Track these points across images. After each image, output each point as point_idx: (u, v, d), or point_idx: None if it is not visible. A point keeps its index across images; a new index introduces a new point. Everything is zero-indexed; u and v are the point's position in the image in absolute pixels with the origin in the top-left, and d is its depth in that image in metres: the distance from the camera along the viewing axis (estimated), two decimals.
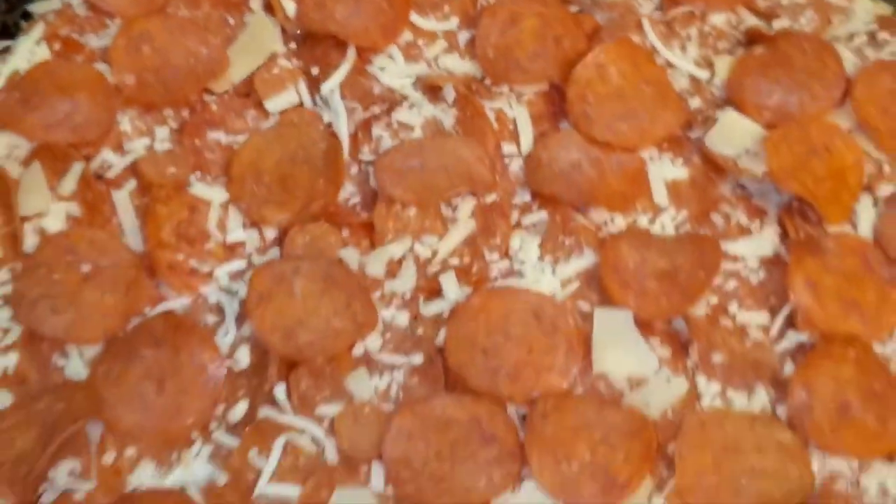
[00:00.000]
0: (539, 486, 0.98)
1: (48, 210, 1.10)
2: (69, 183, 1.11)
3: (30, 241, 1.09)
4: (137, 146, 1.15)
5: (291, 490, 0.98)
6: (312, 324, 1.03)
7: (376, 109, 1.18)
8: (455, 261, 1.10)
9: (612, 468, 0.98)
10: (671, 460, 1.00)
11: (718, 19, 1.25)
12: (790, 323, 1.07)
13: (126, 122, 1.16)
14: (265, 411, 1.01)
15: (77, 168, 1.12)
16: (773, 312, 1.08)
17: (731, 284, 1.09)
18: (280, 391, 1.02)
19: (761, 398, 1.04)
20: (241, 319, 1.06)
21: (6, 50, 1.21)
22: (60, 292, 1.05)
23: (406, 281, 1.08)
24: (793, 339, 1.06)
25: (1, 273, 1.08)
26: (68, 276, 1.06)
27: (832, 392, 1.02)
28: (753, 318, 1.07)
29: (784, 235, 1.12)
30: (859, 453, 1.01)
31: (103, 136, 1.15)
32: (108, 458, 1.00)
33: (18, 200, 1.09)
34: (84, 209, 1.11)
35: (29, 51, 1.20)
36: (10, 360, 1.03)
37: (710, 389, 1.04)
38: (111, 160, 1.14)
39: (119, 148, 1.15)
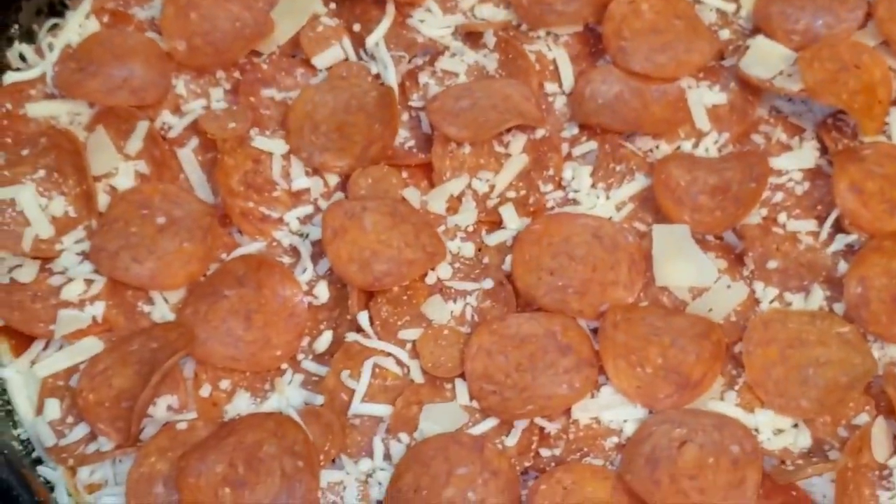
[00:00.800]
0: (616, 389, 1.08)
1: (118, 169, 1.19)
2: (135, 142, 1.20)
3: (102, 200, 1.17)
4: (194, 107, 1.24)
5: (383, 409, 1.07)
6: (386, 254, 1.12)
7: (419, 60, 1.27)
8: (512, 193, 1.19)
9: (684, 369, 1.07)
10: (738, 360, 1.09)
11: None
12: (838, 228, 1.16)
13: (181, 85, 1.25)
14: (352, 336, 1.09)
15: (142, 127, 1.20)
16: (821, 219, 1.17)
17: (779, 196, 1.19)
18: (363, 318, 1.10)
19: (817, 298, 1.13)
20: (315, 258, 1.15)
21: (55, 27, 1.29)
22: (139, 243, 1.13)
23: (468, 216, 1.18)
24: (842, 241, 1.15)
25: (77, 231, 1.16)
26: (145, 228, 1.15)
27: (885, 284, 1.12)
28: (803, 226, 1.17)
29: (823, 150, 1.22)
30: None
31: (161, 99, 1.23)
32: (204, 391, 1.09)
33: (88, 162, 1.17)
34: (152, 166, 1.20)
35: (79, 25, 1.28)
36: (97, 309, 1.11)
37: (767, 294, 1.13)
38: (171, 121, 1.23)
39: (177, 110, 1.24)
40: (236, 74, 1.28)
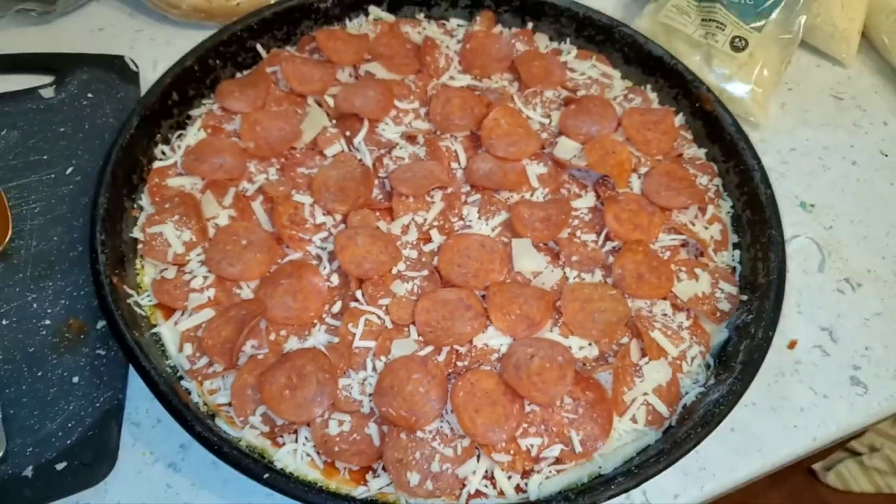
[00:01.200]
0: (496, 328, 1.05)
1: (219, 214, 1.13)
2: (228, 199, 1.14)
3: (211, 232, 1.11)
4: (260, 179, 1.18)
5: (371, 343, 1.03)
6: (370, 258, 1.08)
7: (383, 151, 1.23)
8: (436, 223, 1.15)
9: (531, 315, 1.05)
10: (559, 310, 1.07)
11: (549, 93, 1.32)
12: (607, 237, 1.15)
13: (252, 167, 1.19)
14: (353, 304, 1.06)
15: (231, 191, 1.15)
16: (598, 234, 1.16)
17: (576, 222, 1.17)
18: (359, 294, 1.07)
19: (598, 276, 1.12)
20: (331, 260, 1.10)
21: (181, 135, 1.22)
22: (232, 255, 1.08)
23: (412, 235, 1.14)
24: (609, 245, 1.14)
25: (197, 249, 1.10)
26: (235, 247, 1.09)
27: (632, 268, 1.11)
28: (589, 237, 1.15)
29: (598, 196, 1.20)
30: (650, 296, 1.10)
31: (241, 175, 1.17)
32: (272, 336, 1.03)
33: (202, 210, 1.12)
34: (238, 212, 1.14)
35: (194, 135, 1.21)
36: (211, 293, 1.06)
37: (572, 274, 1.12)
38: (247, 187, 1.17)
39: (250, 181, 1.18)
40: (282, 160, 1.21)
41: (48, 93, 1.28)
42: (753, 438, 1.06)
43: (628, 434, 1.01)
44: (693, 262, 1.16)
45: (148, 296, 1.07)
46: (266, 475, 0.88)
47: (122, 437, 1.00)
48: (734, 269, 1.17)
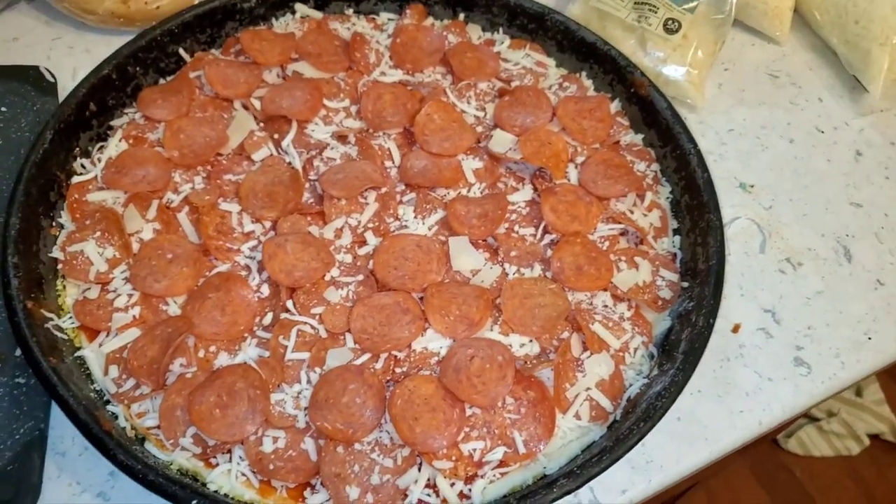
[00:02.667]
0: (435, 330, 1.00)
1: (143, 228, 1.06)
2: (152, 212, 1.08)
3: (135, 246, 1.05)
4: (186, 188, 1.12)
5: (305, 355, 0.98)
6: (300, 266, 1.03)
7: (313, 152, 1.17)
8: (370, 224, 1.10)
9: (470, 315, 1.01)
10: (498, 308, 1.03)
11: (483, 85, 1.27)
12: (545, 231, 1.11)
13: (177, 176, 1.13)
14: (284, 315, 1.00)
15: (155, 204, 1.08)
16: (536, 227, 1.12)
17: (514, 216, 1.12)
18: (290, 304, 1.01)
19: (537, 270, 1.08)
20: (260, 270, 1.04)
21: (101, 147, 1.16)
22: (157, 270, 1.02)
23: (346, 238, 1.08)
24: (548, 238, 1.10)
25: (122, 266, 1.04)
26: (160, 262, 1.03)
27: (572, 259, 1.07)
28: (527, 231, 1.11)
29: (535, 189, 1.16)
30: (590, 289, 1.07)
31: (166, 186, 1.11)
32: (201, 353, 0.98)
33: (125, 225, 1.05)
34: (162, 225, 1.08)
35: (115, 146, 1.15)
36: (136, 311, 1.00)
37: (511, 269, 1.07)
38: (172, 198, 1.11)
39: (175, 191, 1.12)
40: (209, 168, 1.15)
41: None
42: (700, 426, 1.03)
43: (573, 431, 0.97)
44: (633, 250, 1.12)
45: (70, 318, 1.01)
46: (195, 502, 0.83)
47: (45, 468, 0.94)
48: (675, 255, 1.14)
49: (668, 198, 1.19)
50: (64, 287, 1.04)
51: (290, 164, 1.16)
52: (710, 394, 1.06)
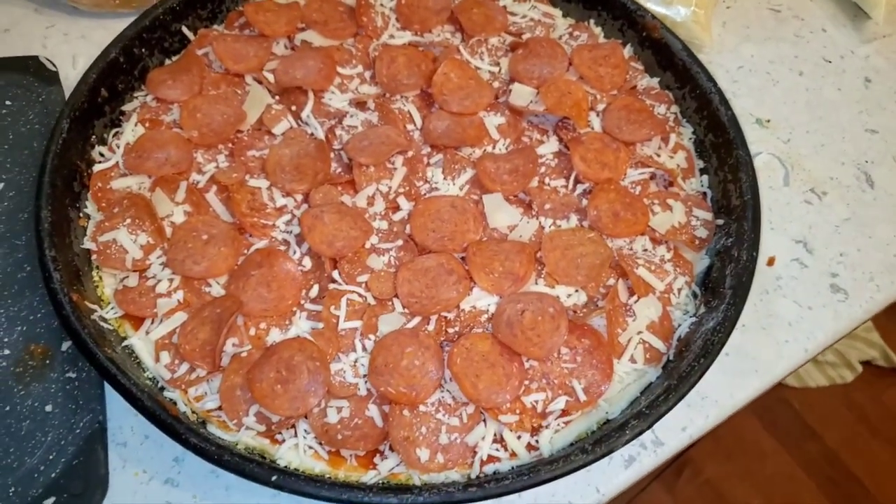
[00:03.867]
0: (481, 288, 1.00)
1: (173, 212, 1.04)
2: (181, 194, 1.05)
3: (168, 231, 1.03)
4: (210, 168, 1.10)
5: (357, 323, 0.97)
6: (340, 236, 1.02)
7: (333, 122, 1.15)
8: (401, 189, 1.09)
9: (515, 270, 1.01)
10: (540, 261, 1.03)
11: (494, 40, 1.26)
12: (576, 180, 1.11)
13: (199, 156, 1.10)
14: (332, 286, 0.99)
15: (183, 185, 1.06)
16: (566, 177, 1.12)
17: (543, 169, 1.12)
18: (336, 274, 1.00)
19: (574, 221, 1.08)
20: (300, 242, 1.03)
21: (117, 133, 1.13)
22: (195, 252, 1.00)
23: (379, 205, 1.07)
24: (580, 188, 1.10)
25: (157, 252, 1.01)
26: (196, 244, 1.01)
27: (608, 206, 1.08)
28: (558, 183, 1.11)
29: (560, 140, 1.16)
30: (629, 234, 1.07)
31: (189, 167, 1.08)
32: (252, 331, 0.96)
33: (155, 210, 1.03)
34: (192, 207, 1.05)
35: (132, 131, 1.12)
36: (179, 295, 0.98)
37: (547, 222, 1.07)
38: (197, 179, 1.08)
39: (200, 172, 1.09)
40: (230, 146, 1.13)
41: None
42: (748, 359, 1.05)
43: (629, 375, 0.99)
44: (664, 193, 1.12)
45: (112, 308, 0.99)
46: (274, 477, 0.83)
47: (110, 460, 0.93)
48: (705, 194, 1.14)
49: (690, 138, 1.20)
50: (100, 278, 1.02)
51: (312, 135, 1.14)
52: (754, 327, 1.07)
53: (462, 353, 0.95)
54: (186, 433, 0.84)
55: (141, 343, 0.97)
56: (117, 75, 1.13)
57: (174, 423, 0.85)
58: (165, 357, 0.95)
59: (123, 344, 0.97)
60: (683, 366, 0.94)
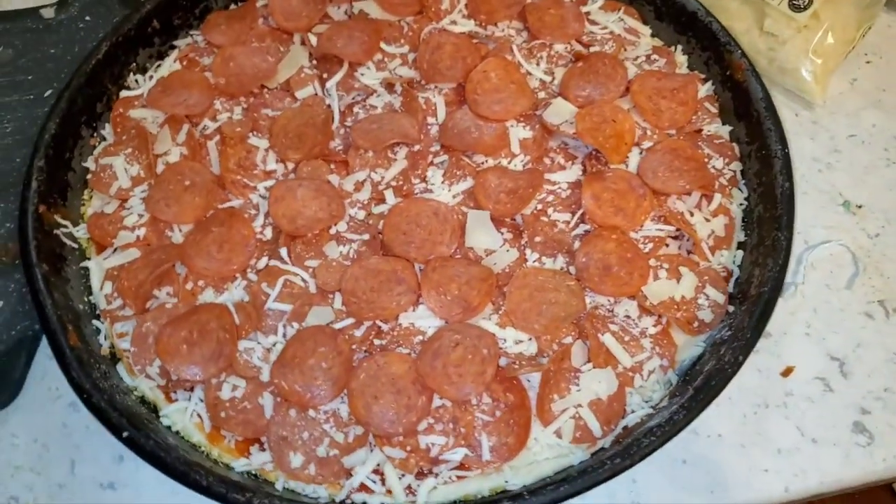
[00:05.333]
0: (428, 308, 0.92)
1: (171, 151, 1.05)
2: (182, 136, 1.06)
3: (160, 168, 1.04)
4: (224, 117, 1.09)
5: (286, 307, 0.93)
6: (305, 214, 0.98)
7: (358, 98, 1.11)
8: (394, 183, 1.03)
9: (469, 299, 0.92)
10: (504, 295, 0.93)
11: (559, 47, 1.14)
12: (582, 219, 0.98)
13: (218, 104, 1.11)
14: (274, 262, 0.96)
15: (185, 128, 1.07)
16: (573, 213, 0.99)
17: (550, 198, 1.00)
18: (283, 252, 0.97)
19: (560, 262, 0.96)
20: (268, 214, 1.00)
21: (159, 65, 1.16)
22: (171, 196, 1.00)
23: (365, 193, 1.02)
24: (582, 228, 0.97)
25: (143, 186, 1.03)
26: (177, 187, 1.01)
27: (601, 257, 0.94)
28: (562, 217, 0.98)
29: (584, 171, 1.03)
30: (614, 294, 0.93)
31: (205, 111, 1.09)
32: (188, 286, 0.96)
33: (155, 146, 1.05)
34: (189, 151, 1.06)
35: (169, 66, 1.14)
36: (141, 232, 1.00)
37: (532, 256, 0.96)
38: (209, 125, 1.09)
39: (213, 118, 1.09)
40: (251, 99, 1.12)
41: (49, 13, 1.25)
42: (708, 476, 0.88)
43: (549, 449, 0.86)
44: (680, 258, 0.96)
45: (85, 228, 1.02)
46: (126, 433, 0.82)
47: (33, 370, 0.97)
48: (731, 273, 0.96)
49: (741, 205, 1.01)
50: (90, 198, 1.06)
51: (328, 106, 1.10)
52: (732, 441, 0.89)
53: (370, 370, 0.88)
54: (71, 364, 0.85)
55: (96, 267, 1.00)
56: (174, 10, 1.16)
57: (66, 351, 0.86)
58: (108, 287, 0.97)
59: (82, 264, 1.00)
60: (605, 456, 0.81)
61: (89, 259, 1.01)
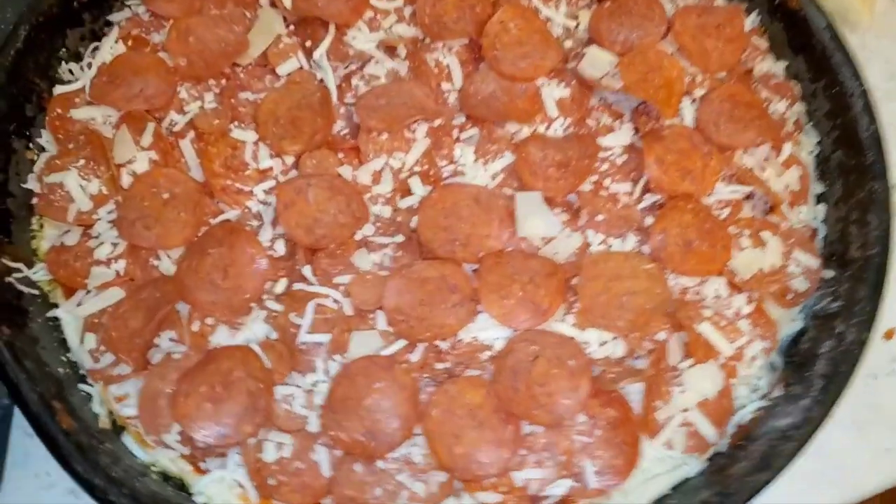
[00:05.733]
0: (489, 316, 0.78)
1: (136, 157, 0.85)
2: (147, 137, 0.86)
3: (125, 181, 0.84)
4: (193, 107, 0.89)
5: (324, 337, 0.77)
6: (324, 221, 0.81)
7: (353, 66, 0.92)
8: (417, 168, 0.86)
9: (536, 300, 0.78)
10: (574, 290, 0.79)
11: None
12: (646, 189, 0.85)
13: (183, 91, 0.90)
14: (297, 286, 0.79)
15: (150, 127, 0.86)
16: (634, 181, 0.86)
17: (604, 166, 0.86)
18: (307, 271, 0.80)
19: (631, 242, 0.83)
20: (275, 222, 0.82)
21: (96, 49, 0.92)
22: (150, 214, 0.81)
23: (386, 186, 0.85)
24: (649, 200, 0.84)
25: (108, 205, 0.83)
26: (154, 202, 0.82)
27: (679, 231, 0.82)
28: (621, 188, 0.85)
29: (636, 130, 0.89)
30: (700, 273, 0.82)
31: (168, 102, 0.88)
32: (195, 326, 0.78)
33: (114, 153, 0.84)
34: (160, 155, 0.86)
35: (110, 48, 0.92)
36: (120, 266, 0.81)
37: (596, 239, 0.83)
38: (176, 119, 0.88)
39: (181, 110, 0.89)
40: (223, 81, 0.91)
41: None
42: (827, 463, 0.79)
43: (661, 463, 0.76)
44: (759, 221, 0.85)
45: (44, 268, 0.82)
46: None
47: (10, 451, 0.78)
48: (815, 231, 0.86)
49: (812, 152, 0.91)
50: (41, 227, 0.85)
51: (321, 81, 0.91)
52: (844, 421, 0.80)
53: (443, 403, 0.74)
54: (70, 456, 0.68)
55: (69, 317, 0.81)
56: None
57: (59, 437, 0.68)
58: (91, 340, 0.78)
59: (49, 314, 0.80)
60: (738, 470, 0.70)
61: (56, 307, 0.81)
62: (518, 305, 0.78)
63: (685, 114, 0.90)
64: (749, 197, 0.87)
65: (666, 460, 0.75)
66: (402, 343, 0.77)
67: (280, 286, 0.80)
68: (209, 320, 0.78)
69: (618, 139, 0.88)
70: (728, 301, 0.81)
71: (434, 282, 0.79)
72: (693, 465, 0.75)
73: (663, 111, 0.88)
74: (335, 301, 0.79)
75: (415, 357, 0.77)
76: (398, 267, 0.80)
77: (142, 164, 0.85)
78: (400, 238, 0.82)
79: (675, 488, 0.75)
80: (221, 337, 0.78)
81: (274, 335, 0.78)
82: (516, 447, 0.73)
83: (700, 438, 0.75)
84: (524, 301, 0.78)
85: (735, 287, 0.82)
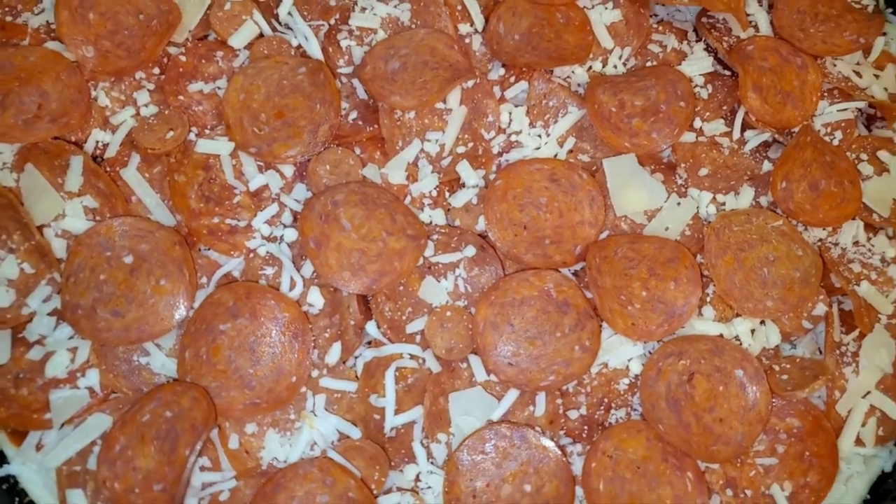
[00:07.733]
0: (614, 332, 0.60)
1: (64, 210, 0.57)
2: (73, 177, 0.58)
3: (58, 247, 0.57)
4: (123, 116, 0.61)
5: (415, 412, 0.56)
6: (373, 251, 0.58)
7: (334, 20, 0.66)
8: (461, 148, 0.64)
9: (667, 297, 0.60)
10: (702, 269, 0.62)
11: None
12: (745, 124, 0.67)
13: (102, 95, 0.62)
14: (369, 353, 0.57)
15: (75, 161, 0.58)
16: (726, 119, 0.68)
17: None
18: (371, 327, 0.58)
19: (748, 196, 0.65)
20: (296, 261, 0.59)
21: None
22: (114, 292, 0.55)
23: (428, 181, 0.62)
24: (755, 139, 0.67)
25: (41, 288, 0.56)
26: (114, 273, 0.56)
27: (802, 173, 0.65)
28: (715, 128, 0.67)
29: (707, 48, 0.70)
30: (835, 220, 0.65)
31: (85, 117, 0.60)
32: (233, 442, 0.54)
33: (28, 209, 0.56)
34: (100, 199, 0.58)
35: None
36: (92, 380, 0.55)
37: (703, 199, 0.65)
38: (103, 138, 0.61)
39: (106, 124, 0.61)
40: (156, 71, 0.63)
41: None
42: None
43: (854, 463, 0.61)
44: (871, 140, 0.70)
45: None
46: None
47: None
48: None
49: None
50: None
51: (299, 48, 0.64)
52: None
53: (604, 469, 0.56)
54: None
55: (29, 471, 0.54)
56: None
57: None
58: (78, 498, 0.52)
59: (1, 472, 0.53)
60: None
61: (7, 463, 0.54)
62: (646, 308, 0.60)
63: (758, 19, 0.71)
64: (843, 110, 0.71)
65: (856, 458, 0.61)
66: (514, 394, 0.57)
67: (333, 354, 0.57)
68: (249, 427, 0.55)
69: (697, 67, 0.69)
70: (869, 247, 0.67)
71: (535, 302, 0.59)
72: (883, 459, 0.62)
73: (740, 19, 0.69)
74: (413, 356, 0.57)
75: (539, 411, 0.57)
76: (483, 292, 0.59)
77: (75, 218, 0.58)
78: (470, 250, 0.61)
79: (873, 485, 0.61)
80: (274, 448, 0.55)
81: (356, 434, 0.55)
82: (704, 496, 0.56)
83: (890, 423, 0.62)
84: (651, 303, 0.60)
85: (872, 228, 0.67)
